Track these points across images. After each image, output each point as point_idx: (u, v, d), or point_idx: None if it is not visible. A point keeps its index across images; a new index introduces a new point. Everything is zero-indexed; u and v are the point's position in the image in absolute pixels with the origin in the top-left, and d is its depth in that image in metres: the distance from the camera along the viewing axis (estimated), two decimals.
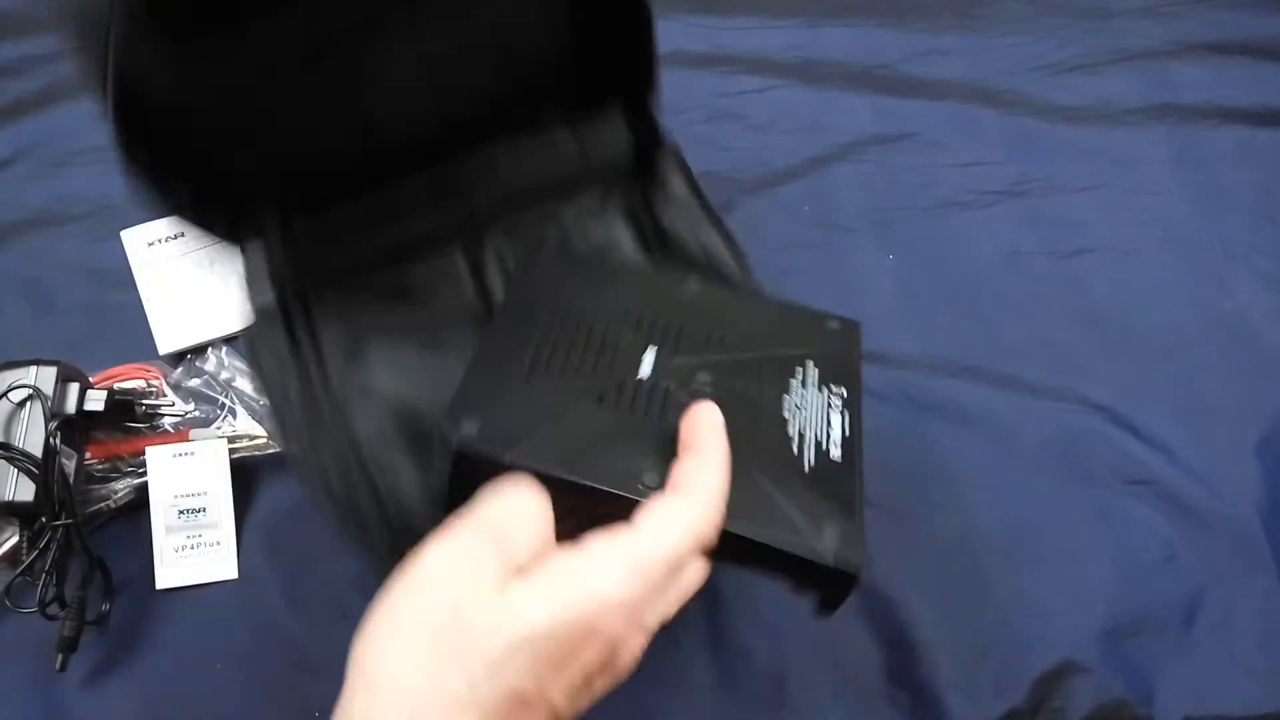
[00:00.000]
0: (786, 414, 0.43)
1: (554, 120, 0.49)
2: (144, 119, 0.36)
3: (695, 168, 0.78)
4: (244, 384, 0.69)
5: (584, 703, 0.35)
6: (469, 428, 0.37)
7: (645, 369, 0.41)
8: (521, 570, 0.34)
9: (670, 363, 0.42)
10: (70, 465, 0.61)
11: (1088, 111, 0.81)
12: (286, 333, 0.45)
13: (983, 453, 0.68)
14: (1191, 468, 0.67)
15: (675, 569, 0.34)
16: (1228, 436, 0.68)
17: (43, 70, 0.84)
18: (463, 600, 0.33)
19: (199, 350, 0.71)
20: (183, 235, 0.74)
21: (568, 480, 0.37)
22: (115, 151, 0.39)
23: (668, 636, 0.62)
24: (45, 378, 0.61)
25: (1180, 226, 0.76)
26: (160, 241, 0.74)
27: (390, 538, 0.45)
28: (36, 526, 0.60)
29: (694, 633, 0.62)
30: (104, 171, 0.79)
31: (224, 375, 0.70)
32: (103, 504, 0.65)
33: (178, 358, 0.71)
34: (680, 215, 0.52)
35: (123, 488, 0.65)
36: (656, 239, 0.52)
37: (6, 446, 0.59)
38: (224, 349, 0.70)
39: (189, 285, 0.73)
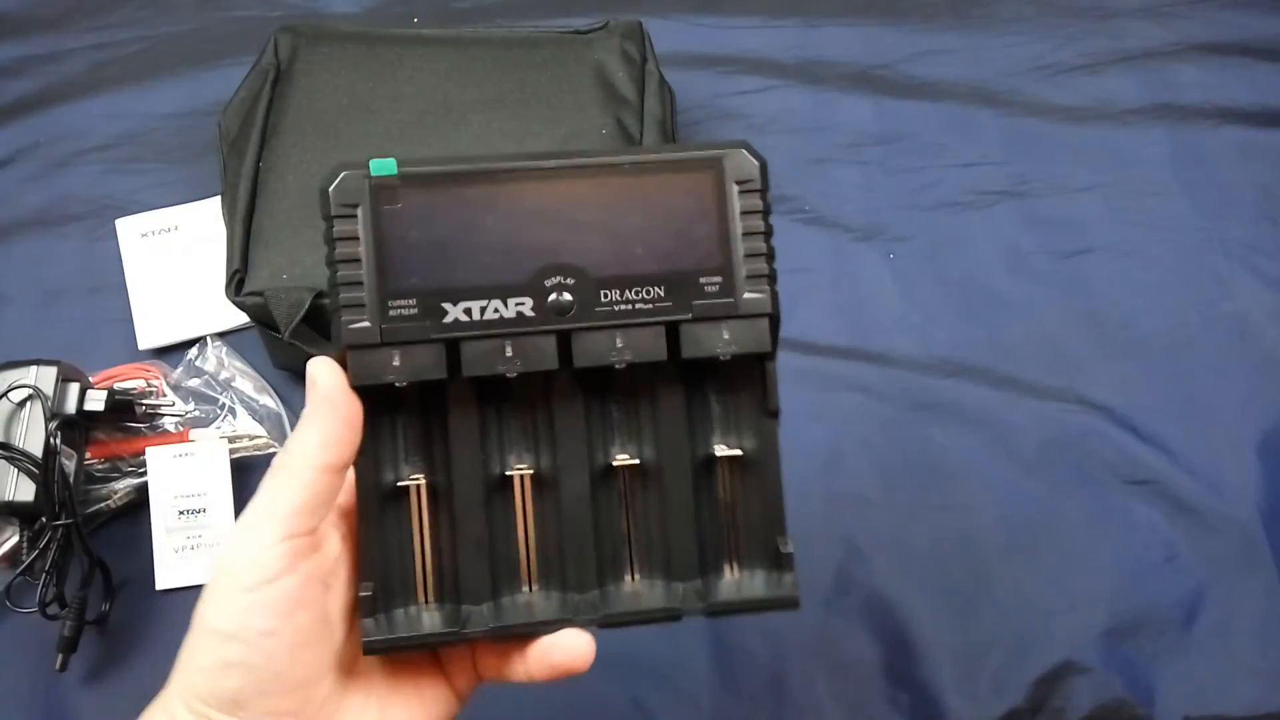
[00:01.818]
0: None
1: None
2: None
3: None
4: (244, 384, 0.69)
5: None
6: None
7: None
8: None
9: None
10: (70, 465, 0.61)
11: (1088, 111, 0.81)
12: None
13: (983, 453, 0.68)
14: (1191, 468, 0.67)
15: None
16: (1228, 436, 0.68)
17: (43, 70, 0.84)
18: None
19: (182, 348, 0.71)
20: (178, 229, 0.74)
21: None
22: None
23: (668, 636, 0.62)
24: (45, 378, 0.61)
25: (1180, 226, 0.76)
26: (154, 234, 0.74)
27: None
28: (36, 526, 0.60)
29: (694, 633, 0.62)
30: (104, 171, 0.79)
31: (224, 375, 0.69)
32: (103, 504, 0.65)
33: (172, 358, 0.71)
34: None
35: (123, 488, 0.65)
36: None
37: (6, 446, 0.59)
38: (224, 348, 0.70)
39: (178, 281, 0.73)
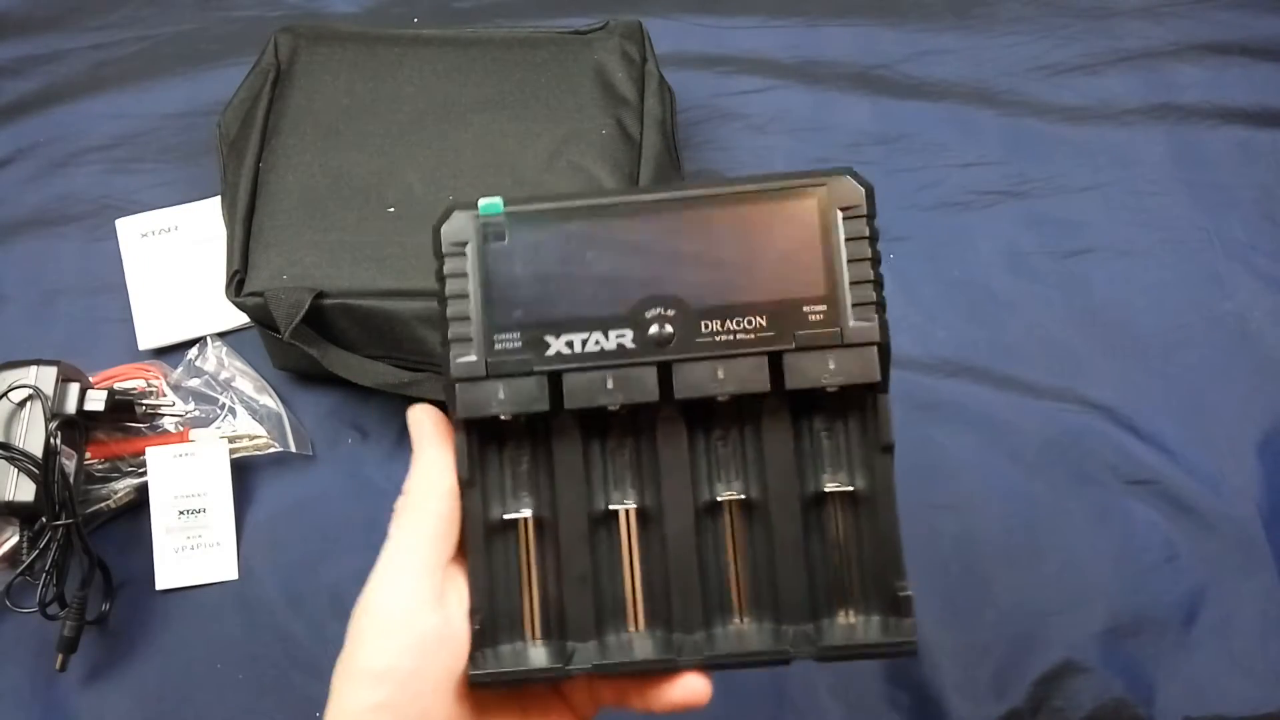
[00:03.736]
0: None
1: None
2: None
3: (695, 168, 0.78)
4: (244, 384, 0.69)
5: None
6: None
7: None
8: None
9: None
10: (70, 465, 0.61)
11: (1088, 111, 0.81)
12: None
13: (983, 453, 0.68)
14: (1191, 468, 0.67)
15: None
16: (1228, 436, 0.68)
17: (43, 70, 0.84)
18: None
19: (182, 348, 0.71)
20: (178, 229, 0.74)
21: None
22: None
23: None
24: (45, 378, 0.61)
25: (1180, 226, 0.76)
26: (154, 234, 0.74)
27: None
28: (37, 526, 0.60)
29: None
30: (104, 171, 0.79)
31: (224, 375, 0.69)
32: (103, 504, 0.65)
33: (172, 358, 0.71)
34: None
35: (123, 488, 0.65)
36: None
37: (6, 446, 0.59)
38: (224, 348, 0.70)
39: (178, 281, 0.73)
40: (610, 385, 0.36)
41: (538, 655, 0.37)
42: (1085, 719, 0.60)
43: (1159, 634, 0.63)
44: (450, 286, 0.37)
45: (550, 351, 0.36)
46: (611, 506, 0.38)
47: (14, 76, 0.84)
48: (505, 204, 0.37)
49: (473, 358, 0.36)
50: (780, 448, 0.37)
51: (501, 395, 0.36)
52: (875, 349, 0.36)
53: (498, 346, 0.36)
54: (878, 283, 0.36)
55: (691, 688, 0.36)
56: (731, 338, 0.36)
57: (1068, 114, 0.81)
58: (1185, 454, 0.68)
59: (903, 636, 0.36)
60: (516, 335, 0.36)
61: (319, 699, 0.62)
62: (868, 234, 0.37)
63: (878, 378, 0.36)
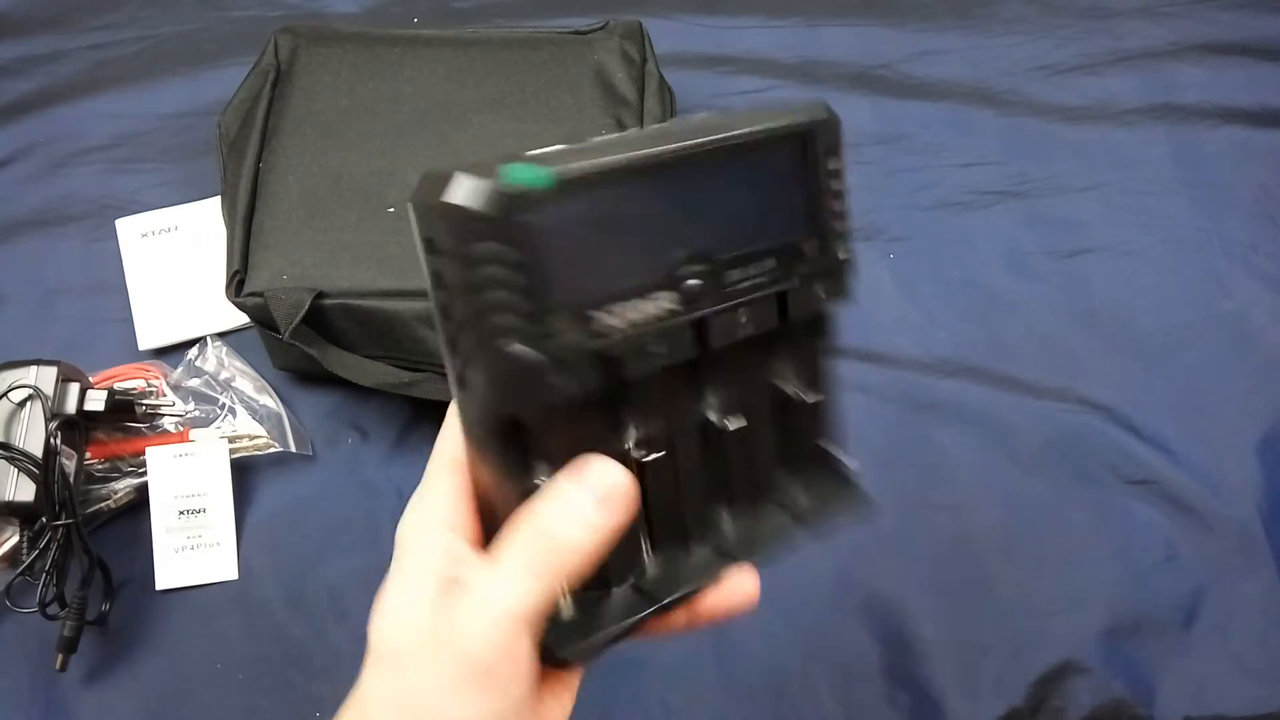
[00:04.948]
0: None
1: None
2: None
3: None
4: (244, 384, 0.69)
5: None
6: None
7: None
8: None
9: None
10: (70, 465, 0.61)
11: (1088, 111, 0.81)
12: None
13: (983, 453, 0.68)
14: (1191, 468, 0.67)
15: None
16: (1228, 436, 0.68)
17: (43, 70, 0.84)
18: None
19: (182, 348, 0.71)
20: (178, 229, 0.74)
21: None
22: None
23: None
24: (45, 378, 0.61)
25: (1180, 226, 0.76)
26: (154, 234, 0.74)
27: None
28: (37, 526, 0.60)
29: (695, 632, 0.62)
30: (104, 171, 0.79)
31: (224, 375, 0.69)
32: (103, 504, 0.65)
33: (172, 358, 0.71)
34: None
35: (123, 488, 0.65)
36: None
37: (6, 446, 0.59)
38: (224, 348, 0.70)
39: (178, 281, 0.73)
40: (656, 348, 0.36)
41: (627, 605, 0.38)
42: (1085, 719, 0.60)
43: (1159, 634, 0.63)
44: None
45: (596, 326, 0.34)
46: (627, 446, 0.38)
47: (14, 76, 0.84)
48: (528, 188, 0.33)
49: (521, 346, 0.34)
50: (760, 373, 0.40)
51: (555, 378, 0.34)
52: (847, 268, 0.40)
53: (546, 329, 0.34)
54: (849, 212, 0.40)
55: (744, 590, 0.39)
56: (751, 283, 0.38)
57: (1068, 114, 0.81)
58: (1185, 454, 0.68)
59: (853, 499, 0.41)
60: (561, 315, 0.34)
61: (319, 699, 0.62)
62: (842, 166, 0.39)
63: (849, 295, 0.40)
